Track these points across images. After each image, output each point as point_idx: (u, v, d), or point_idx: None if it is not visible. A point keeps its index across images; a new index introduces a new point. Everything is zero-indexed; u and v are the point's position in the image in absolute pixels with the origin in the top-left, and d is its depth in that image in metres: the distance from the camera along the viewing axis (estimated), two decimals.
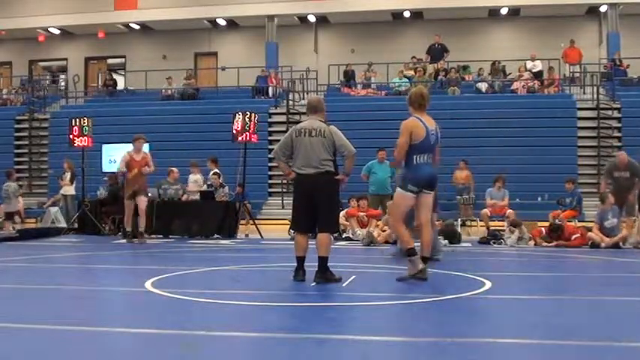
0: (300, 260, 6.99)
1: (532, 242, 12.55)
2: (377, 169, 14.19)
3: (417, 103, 7.07)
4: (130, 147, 12.92)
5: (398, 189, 7.10)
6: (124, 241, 12.83)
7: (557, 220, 13.35)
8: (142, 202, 12.76)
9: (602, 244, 11.85)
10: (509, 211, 13.74)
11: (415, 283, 6.83)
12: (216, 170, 15.12)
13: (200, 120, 21.74)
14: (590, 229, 12.38)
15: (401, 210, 7.16)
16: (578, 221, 14.34)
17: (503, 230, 13.27)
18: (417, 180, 6.97)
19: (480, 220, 14.94)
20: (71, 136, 15.32)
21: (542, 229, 12.71)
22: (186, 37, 27.91)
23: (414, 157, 6.92)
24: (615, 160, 13.47)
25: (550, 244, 12.21)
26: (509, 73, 23.55)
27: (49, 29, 28.20)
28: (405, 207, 7.14)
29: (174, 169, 15.21)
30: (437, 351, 4.15)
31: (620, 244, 11.99)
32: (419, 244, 7.11)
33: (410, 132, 6.90)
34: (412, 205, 7.12)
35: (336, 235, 10.53)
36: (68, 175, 17.28)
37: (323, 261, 6.89)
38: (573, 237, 12.15)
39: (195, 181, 15.45)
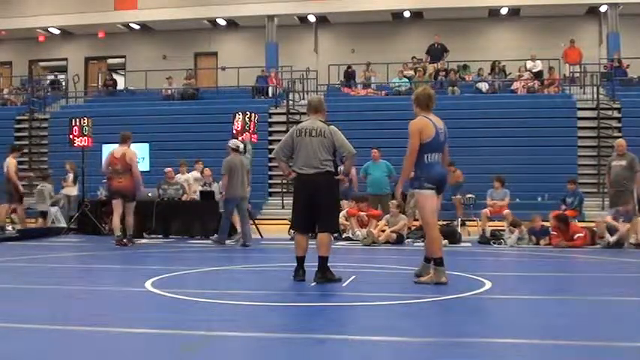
0: (300, 260, 7.00)
1: (532, 237, 12.61)
2: (372, 170, 14.18)
3: (424, 103, 7.01)
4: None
5: (416, 191, 6.93)
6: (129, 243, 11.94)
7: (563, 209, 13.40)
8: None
9: (605, 240, 11.85)
10: (505, 212, 13.72)
11: (416, 283, 6.86)
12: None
13: (200, 120, 21.73)
14: (593, 231, 12.37)
15: (428, 212, 6.87)
16: (579, 221, 14.32)
17: (503, 230, 13.27)
18: (430, 178, 6.82)
19: (480, 220, 14.92)
20: (71, 136, 15.34)
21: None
22: (186, 37, 27.93)
23: (426, 156, 6.80)
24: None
25: (547, 244, 12.26)
26: (510, 73, 23.55)
27: (49, 29, 28.21)
28: (430, 207, 6.86)
29: (168, 169, 15.20)
30: (437, 351, 4.15)
31: (626, 243, 12.01)
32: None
33: (419, 132, 6.79)
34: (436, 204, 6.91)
35: (336, 235, 10.51)
36: (71, 177, 17.29)
37: (323, 261, 6.90)
38: (576, 236, 12.14)
39: (186, 180, 15.48)
